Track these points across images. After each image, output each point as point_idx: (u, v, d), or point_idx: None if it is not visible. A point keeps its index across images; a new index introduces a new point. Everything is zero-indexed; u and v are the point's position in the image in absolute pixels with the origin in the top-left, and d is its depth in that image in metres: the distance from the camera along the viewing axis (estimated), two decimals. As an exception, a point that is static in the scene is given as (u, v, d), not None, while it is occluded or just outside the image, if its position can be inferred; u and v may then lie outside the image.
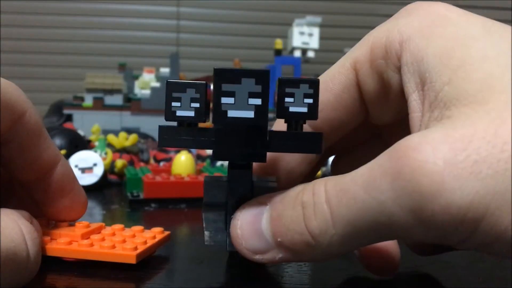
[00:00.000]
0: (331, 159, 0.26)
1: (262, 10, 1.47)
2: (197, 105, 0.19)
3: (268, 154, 0.20)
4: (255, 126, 0.18)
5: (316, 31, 0.98)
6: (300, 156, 0.23)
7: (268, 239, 0.19)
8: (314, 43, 0.98)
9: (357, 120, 0.22)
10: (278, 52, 1.00)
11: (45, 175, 0.23)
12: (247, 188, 0.20)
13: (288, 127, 0.19)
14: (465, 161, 0.14)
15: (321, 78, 0.21)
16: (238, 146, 0.19)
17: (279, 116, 0.19)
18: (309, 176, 0.24)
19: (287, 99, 0.18)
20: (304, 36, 0.98)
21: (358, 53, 0.20)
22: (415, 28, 0.18)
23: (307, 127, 0.22)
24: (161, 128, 0.19)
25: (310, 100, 0.18)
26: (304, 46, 0.98)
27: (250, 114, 0.18)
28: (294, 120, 0.19)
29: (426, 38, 0.18)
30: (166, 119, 0.19)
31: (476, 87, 0.15)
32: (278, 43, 1.00)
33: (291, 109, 0.19)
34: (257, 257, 0.19)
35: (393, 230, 0.16)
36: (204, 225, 0.21)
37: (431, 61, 0.17)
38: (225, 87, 0.18)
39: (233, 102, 0.18)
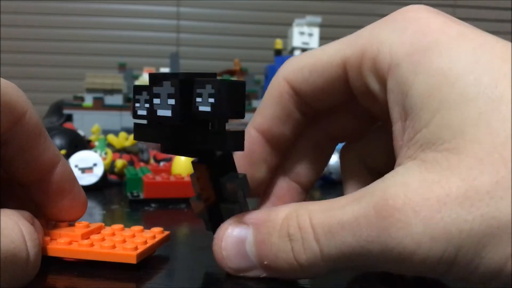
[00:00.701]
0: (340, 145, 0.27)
1: (262, 10, 1.47)
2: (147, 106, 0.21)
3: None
4: (174, 123, 0.20)
5: (316, 31, 0.98)
6: (284, 121, 0.23)
7: (253, 259, 0.20)
8: (314, 43, 0.98)
9: (345, 100, 0.23)
10: (278, 52, 1.00)
11: (45, 176, 0.23)
12: (207, 185, 0.22)
13: (211, 125, 0.21)
14: (439, 223, 0.16)
15: (315, 58, 0.22)
16: (168, 140, 0.21)
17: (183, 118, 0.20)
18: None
19: (197, 99, 0.20)
20: (304, 36, 0.98)
21: (349, 52, 0.20)
22: (406, 54, 0.18)
23: (298, 98, 0.23)
24: (134, 124, 0.22)
25: (212, 100, 0.20)
26: (304, 46, 0.98)
27: (168, 113, 0.20)
28: (217, 119, 0.20)
29: (413, 70, 0.18)
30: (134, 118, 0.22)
31: (450, 134, 0.17)
32: (278, 43, 1.00)
33: (200, 108, 0.20)
34: (241, 274, 0.21)
35: (375, 268, 0.19)
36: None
37: (414, 99, 0.18)
38: (155, 89, 0.20)
39: (159, 102, 0.20)
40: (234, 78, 0.99)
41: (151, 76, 0.21)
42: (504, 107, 0.16)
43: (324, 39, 1.05)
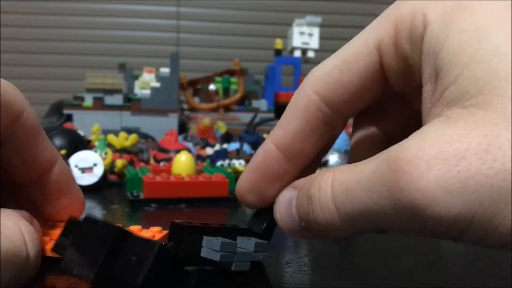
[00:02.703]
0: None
1: (262, 10, 1.47)
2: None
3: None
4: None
5: (316, 31, 0.98)
6: (307, 136, 0.22)
7: (298, 221, 0.21)
8: (314, 43, 0.98)
9: (378, 96, 0.22)
10: (278, 52, 1.00)
11: (42, 175, 0.23)
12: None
13: None
14: (456, 177, 0.15)
15: (342, 56, 0.21)
16: None
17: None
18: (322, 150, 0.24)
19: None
20: (304, 36, 0.98)
21: (382, 33, 0.20)
22: (437, 15, 0.18)
23: (326, 108, 0.21)
24: None
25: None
26: (304, 46, 0.98)
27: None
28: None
29: (445, 28, 0.17)
30: None
31: (479, 88, 0.16)
32: (278, 43, 1.00)
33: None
34: (295, 235, 0.22)
35: (391, 227, 0.18)
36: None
37: (446, 57, 0.17)
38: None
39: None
40: (234, 78, 0.99)
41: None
42: None
43: (324, 39, 1.05)
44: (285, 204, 0.22)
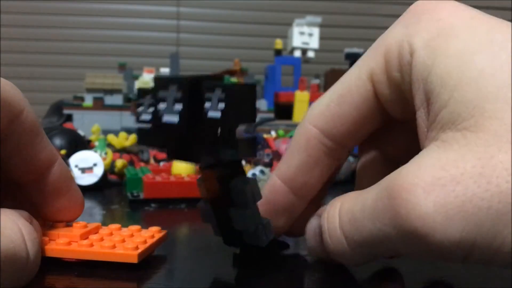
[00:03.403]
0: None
1: (262, 10, 1.47)
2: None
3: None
4: (181, 130, 0.19)
5: (316, 31, 0.98)
6: (310, 169, 0.23)
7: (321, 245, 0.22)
8: (314, 43, 0.98)
9: (378, 124, 0.22)
10: (278, 52, 1.00)
11: (41, 175, 0.23)
12: (217, 187, 0.22)
13: (220, 132, 0.20)
14: (453, 202, 0.15)
15: (338, 90, 0.22)
16: (175, 147, 0.20)
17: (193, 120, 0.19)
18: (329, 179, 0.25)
19: (206, 104, 0.19)
20: (304, 36, 0.98)
21: (373, 64, 0.20)
22: (423, 42, 0.18)
23: (327, 141, 0.22)
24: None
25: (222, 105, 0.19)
26: (304, 46, 0.98)
27: (175, 119, 0.19)
28: (227, 127, 0.19)
29: (432, 54, 0.18)
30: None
31: (469, 111, 0.16)
32: (278, 43, 1.00)
33: (210, 114, 0.19)
34: (323, 259, 0.23)
35: (400, 253, 0.19)
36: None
37: (434, 81, 0.18)
38: (161, 93, 0.19)
39: (165, 107, 0.19)
40: (234, 78, 0.99)
41: (157, 79, 0.20)
42: None
43: (324, 39, 1.05)
44: (312, 230, 0.23)
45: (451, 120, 0.17)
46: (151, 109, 0.20)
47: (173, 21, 1.46)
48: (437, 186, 0.16)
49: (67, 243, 0.22)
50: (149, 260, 0.24)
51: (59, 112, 0.85)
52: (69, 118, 0.83)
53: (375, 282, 0.23)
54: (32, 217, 0.22)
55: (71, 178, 0.24)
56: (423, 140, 0.19)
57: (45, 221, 0.24)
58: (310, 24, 0.98)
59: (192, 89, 0.19)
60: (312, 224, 0.23)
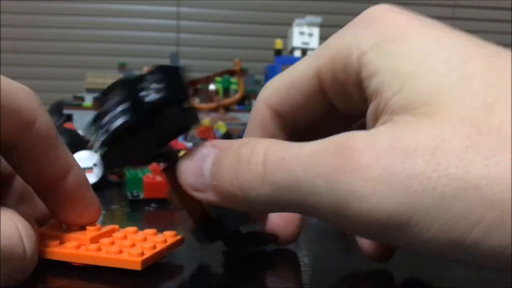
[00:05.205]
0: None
1: (262, 10, 1.47)
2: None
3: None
4: (132, 123, 0.20)
5: (316, 31, 0.98)
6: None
7: (207, 180, 0.20)
8: (314, 43, 0.98)
9: (324, 112, 0.23)
10: (278, 52, 1.00)
11: (56, 184, 0.23)
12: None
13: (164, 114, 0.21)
14: (400, 174, 0.15)
15: (290, 76, 0.22)
16: (137, 152, 0.22)
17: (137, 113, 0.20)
18: None
19: (142, 93, 0.20)
20: (304, 36, 0.98)
21: (320, 63, 0.21)
22: (372, 45, 0.18)
23: (280, 119, 0.23)
24: None
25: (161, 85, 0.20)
26: (304, 46, 0.98)
27: (124, 118, 0.20)
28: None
29: (381, 54, 0.18)
30: None
31: (423, 100, 0.16)
32: (278, 43, 1.00)
33: (147, 99, 0.20)
34: (194, 194, 0.20)
35: (317, 213, 0.17)
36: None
37: (384, 74, 0.17)
38: (104, 108, 0.20)
39: (111, 116, 0.20)
40: (234, 78, 0.99)
41: (96, 101, 0.21)
42: (476, 82, 0.16)
43: (324, 39, 1.05)
44: (197, 158, 0.21)
45: (404, 105, 0.16)
46: (103, 129, 0.20)
47: (173, 21, 1.46)
48: (389, 154, 0.15)
49: (75, 246, 0.22)
50: (158, 265, 0.23)
51: (59, 112, 0.85)
52: (69, 118, 0.83)
53: (370, 282, 0.23)
54: (31, 215, 0.21)
55: (87, 187, 0.24)
56: (371, 126, 0.18)
57: (61, 224, 0.24)
58: (310, 24, 0.98)
59: (129, 85, 0.20)
60: (200, 152, 0.21)
